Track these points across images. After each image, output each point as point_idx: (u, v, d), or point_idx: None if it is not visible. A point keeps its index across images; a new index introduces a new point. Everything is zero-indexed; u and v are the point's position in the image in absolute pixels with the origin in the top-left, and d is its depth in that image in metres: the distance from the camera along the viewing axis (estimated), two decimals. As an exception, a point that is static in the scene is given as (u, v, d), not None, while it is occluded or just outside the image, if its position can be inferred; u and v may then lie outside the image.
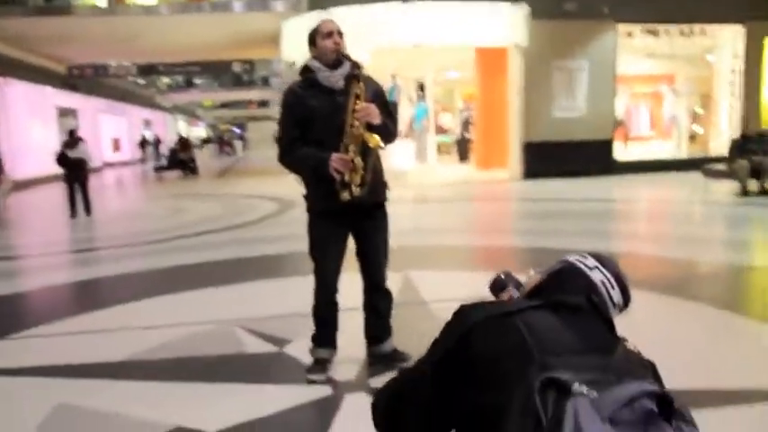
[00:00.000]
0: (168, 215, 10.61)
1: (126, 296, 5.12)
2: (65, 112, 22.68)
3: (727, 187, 10.40)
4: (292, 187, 16.31)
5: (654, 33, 14.80)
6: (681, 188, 11.72)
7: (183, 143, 21.44)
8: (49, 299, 5.50)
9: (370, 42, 14.30)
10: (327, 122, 3.06)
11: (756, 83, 15.01)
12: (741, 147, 10.09)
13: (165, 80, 38.96)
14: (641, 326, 3.69)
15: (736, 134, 13.71)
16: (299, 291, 5.14)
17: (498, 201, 11.53)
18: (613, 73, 14.34)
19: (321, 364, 3.30)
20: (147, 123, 37.34)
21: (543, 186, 12.59)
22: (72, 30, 17.20)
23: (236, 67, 21.91)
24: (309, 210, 3.24)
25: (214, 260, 6.52)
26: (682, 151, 16.15)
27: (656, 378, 1.25)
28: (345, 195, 3.04)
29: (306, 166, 3.13)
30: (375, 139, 3.00)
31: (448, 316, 4.41)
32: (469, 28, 13.61)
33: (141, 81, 33.85)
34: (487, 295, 1.68)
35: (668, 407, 1.07)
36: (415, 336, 3.52)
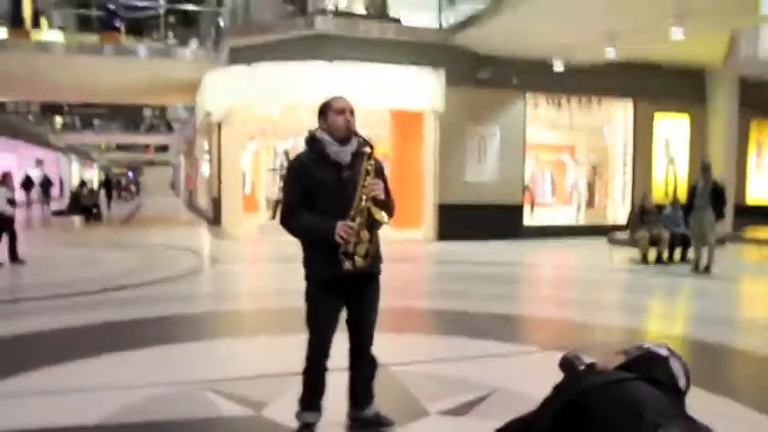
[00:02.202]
0: (83, 265, 10.15)
1: (70, 354, 4.86)
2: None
3: (628, 254, 11.29)
4: (204, 238, 16.02)
5: (557, 105, 15.98)
6: (587, 254, 12.53)
7: (91, 191, 20.70)
8: None
9: (287, 98, 14.53)
10: (333, 196, 3.19)
11: (647, 156, 16.43)
12: (640, 218, 11.01)
13: (59, 119, 37.38)
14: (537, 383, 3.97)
15: (629, 204, 14.95)
16: (261, 351, 5.22)
17: (413, 261, 11.81)
18: (523, 140, 15.26)
19: (308, 428, 3.35)
20: (39, 163, 35.47)
21: (456, 248, 13.07)
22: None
23: (148, 113, 21.47)
24: (309, 278, 3.33)
25: (154, 316, 6.35)
26: (581, 217, 17.31)
27: None
28: (348, 266, 3.16)
29: (311, 231, 3.23)
30: (382, 215, 3.18)
31: (408, 378, 4.62)
32: (389, 91, 14.12)
33: (31, 118, 32.32)
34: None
35: None
36: (381, 398, 3.63)
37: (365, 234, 3.18)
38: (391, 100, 14.35)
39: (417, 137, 15.35)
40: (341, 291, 3.27)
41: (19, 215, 10.47)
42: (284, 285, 8.06)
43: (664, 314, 7.56)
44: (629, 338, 5.81)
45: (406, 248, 13.36)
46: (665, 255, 10.74)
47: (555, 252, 13.28)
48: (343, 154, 3.26)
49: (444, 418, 3.69)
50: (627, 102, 16.40)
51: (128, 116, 25.33)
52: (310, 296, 3.32)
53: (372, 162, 3.24)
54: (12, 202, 10.12)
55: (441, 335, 6.01)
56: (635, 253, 10.97)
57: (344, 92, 11.79)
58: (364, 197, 3.17)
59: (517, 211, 15.32)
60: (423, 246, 13.86)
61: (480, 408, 3.82)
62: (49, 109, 21.83)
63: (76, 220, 19.57)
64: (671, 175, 16.28)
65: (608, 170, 17.27)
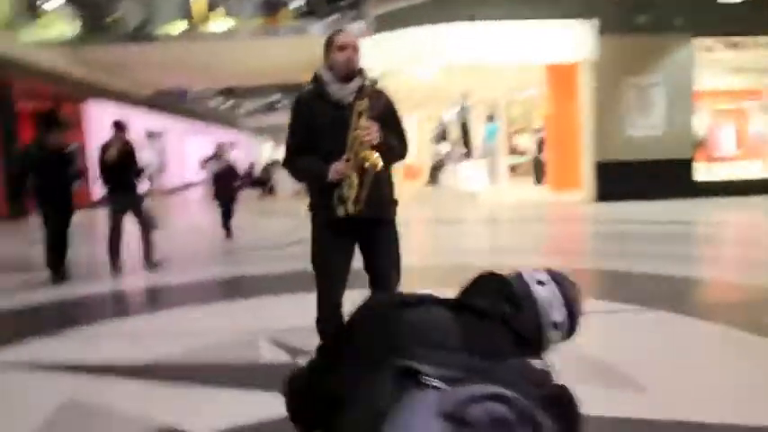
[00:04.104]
0: (246, 228, 10.91)
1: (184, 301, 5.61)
2: (152, 135, 23.83)
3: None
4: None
5: (736, 46, 14.12)
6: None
7: (265, 168, 22.45)
8: (120, 299, 6.16)
9: (436, 61, 14.39)
10: (333, 136, 3.02)
11: None
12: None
13: (248, 104, 40.38)
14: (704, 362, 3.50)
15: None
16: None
17: (565, 222, 11.21)
18: (691, 89, 13.73)
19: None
20: (232, 145, 38.69)
21: (616, 208, 12.11)
22: (156, 56, 18.13)
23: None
24: (312, 220, 3.23)
25: (271, 272, 6.88)
26: (771, 171, 15.20)
27: (551, 404, 1.14)
28: (341, 210, 3.01)
29: (307, 173, 3.15)
30: (373, 159, 2.93)
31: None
32: (538, 45, 13.43)
33: (227, 104, 35.25)
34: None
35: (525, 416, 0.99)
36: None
37: (354, 179, 2.98)
38: (540, 54, 13.62)
39: (575, 92, 14.43)
40: (347, 234, 3.13)
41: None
42: (412, 244, 8.16)
43: None
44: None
45: (560, 210, 12.71)
46: None
47: (734, 210, 11.69)
48: (344, 93, 3.06)
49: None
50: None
51: (293, 94, 26.75)
52: (314, 239, 3.22)
53: (366, 102, 2.99)
54: (220, 174, 10.02)
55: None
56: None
57: (493, 49, 11.52)
58: (357, 141, 2.97)
59: (687, 166, 13.84)
60: (579, 207, 12.98)
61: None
62: (224, 94, 23.62)
63: (253, 193, 21.07)
64: None
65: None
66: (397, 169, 12.88)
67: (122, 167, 6.98)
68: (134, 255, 7.45)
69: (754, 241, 8.52)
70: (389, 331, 1.18)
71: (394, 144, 3.11)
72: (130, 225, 7.14)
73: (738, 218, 10.82)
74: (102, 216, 7.58)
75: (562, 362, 3.55)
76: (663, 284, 5.53)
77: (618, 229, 9.55)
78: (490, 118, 18.68)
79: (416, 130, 26.24)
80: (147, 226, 7.18)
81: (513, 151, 21.29)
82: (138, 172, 7.30)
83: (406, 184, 19.47)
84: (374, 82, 3.11)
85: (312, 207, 3.23)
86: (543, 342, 1.43)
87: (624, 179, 13.37)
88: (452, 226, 11.10)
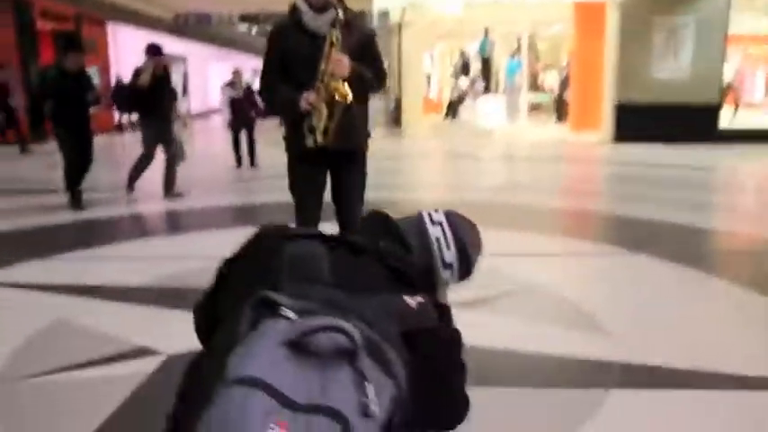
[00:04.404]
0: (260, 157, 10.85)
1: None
2: (173, 59, 23.65)
3: None
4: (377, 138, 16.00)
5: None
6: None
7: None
8: (126, 224, 6.31)
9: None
10: (308, 66, 3.03)
11: None
12: None
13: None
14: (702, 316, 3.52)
15: None
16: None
17: (578, 162, 11.12)
18: (725, 32, 13.20)
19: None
20: (256, 72, 38.33)
21: (633, 150, 11.93)
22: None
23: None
24: (286, 150, 3.28)
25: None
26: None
27: (417, 342, 1.18)
28: (310, 142, 3.06)
29: (280, 103, 3.17)
30: (342, 92, 2.94)
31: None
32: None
33: (252, 31, 34.77)
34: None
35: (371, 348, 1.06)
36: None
37: (323, 110, 3.00)
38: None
39: (602, 31, 14.02)
40: (319, 165, 3.20)
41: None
42: (425, 179, 8.25)
43: None
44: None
45: (576, 150, 12.61)
46: None
47: (759, 157, 11.34)
48: (319, 23, 3.04)
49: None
50: None
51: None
52: (289, 168, 3.30)
53: (337, 32, 2.97)
54: (236, 102, 10.13)
55: (533, 232, 5.51)
56: None
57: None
58: (327, 72, 2.97)
59: (713, 112, 13.47)
60: (596, 148, 12.80)
61: (498, 302, 3.60)
62: (247, 19, 23.41)
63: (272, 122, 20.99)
64: None
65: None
66: (416, 102, 12.76)
67: (155, 93, 6.85)
68: (154, 182, 7.55)
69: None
70: (266, 262, 1.25)
71: (367, 76, 3.10)
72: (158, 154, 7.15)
73: (761, 167, 10.59)
74: (120, 141, 7.64)
75: (536, 301, 3.73)
76: (661, 229, 5.55)
77: (630, 171, 9.45)
78: (513, 54, 18.26)
79: (438, 63, 25.81)
80: (173, 157, 7.17)
81: (537, 88, 20.90)
82: (173, 99, 7.28)
83: (425, 118, 19.34)
84: (351, 13, 3.09)
85: (286, 138, 3.27)
86: (435, 281, 1.48)
87: (646, 122, 13.10)
88: (467, 161, 11.09)
